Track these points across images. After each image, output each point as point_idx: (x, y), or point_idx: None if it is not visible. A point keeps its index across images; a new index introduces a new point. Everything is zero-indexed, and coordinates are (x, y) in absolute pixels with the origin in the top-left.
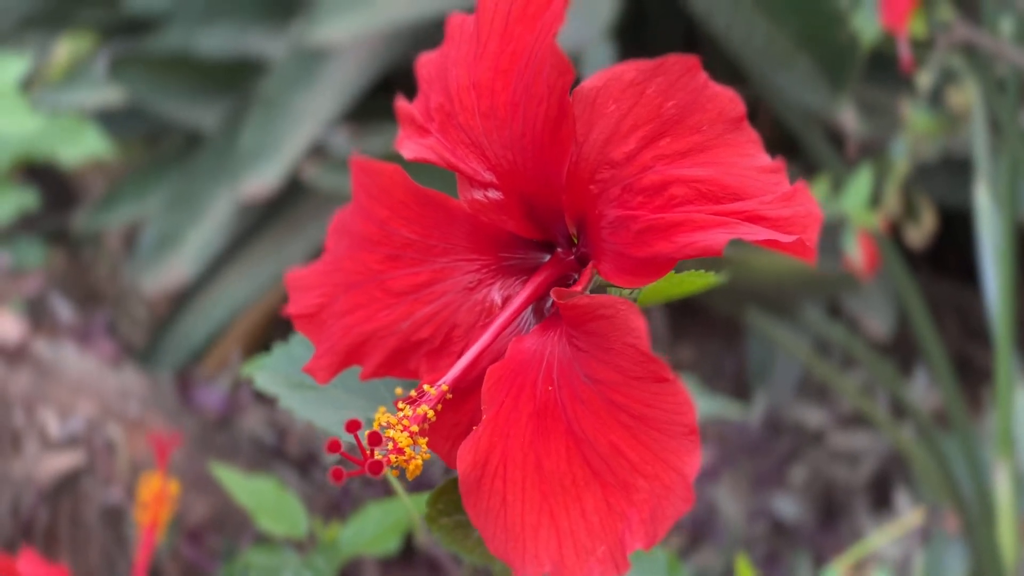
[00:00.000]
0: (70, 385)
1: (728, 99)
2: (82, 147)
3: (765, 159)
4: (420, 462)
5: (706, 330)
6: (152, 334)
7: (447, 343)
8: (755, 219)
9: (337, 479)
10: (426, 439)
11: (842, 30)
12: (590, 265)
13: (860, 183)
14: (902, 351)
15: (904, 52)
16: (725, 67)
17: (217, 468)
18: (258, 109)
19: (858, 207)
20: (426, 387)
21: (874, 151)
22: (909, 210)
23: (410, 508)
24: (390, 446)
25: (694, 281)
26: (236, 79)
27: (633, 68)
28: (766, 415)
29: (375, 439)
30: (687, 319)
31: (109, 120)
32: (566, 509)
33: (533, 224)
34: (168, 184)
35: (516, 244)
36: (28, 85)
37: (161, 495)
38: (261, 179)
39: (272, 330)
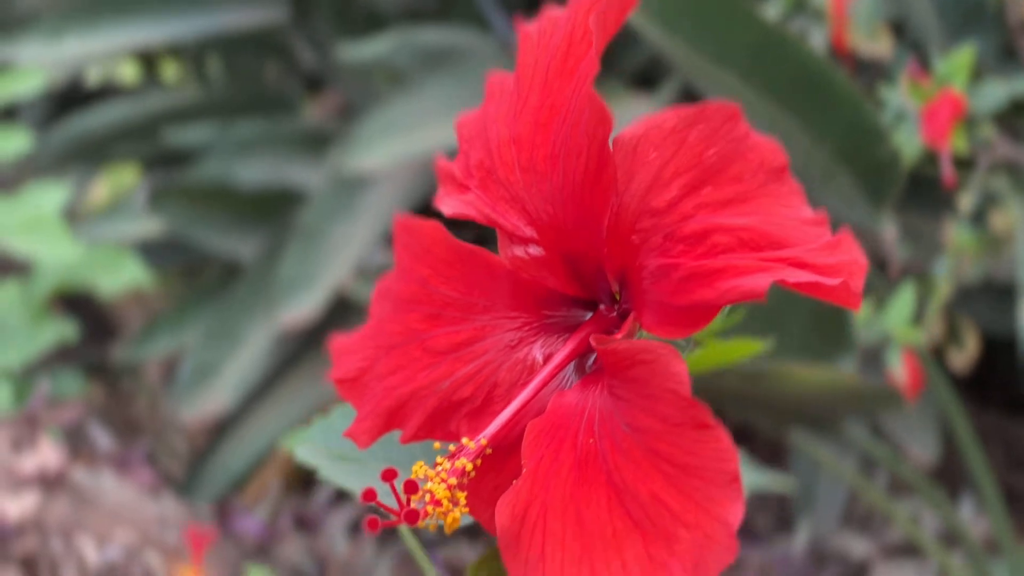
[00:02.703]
0: (108, 513)
1: (770, 150)
2: (122, 276)
3: (808, 211)
4: (458, 515)
5: (748, 457)
6: (191, 466)
7: (488, 402)
8: (799, 266)
9: (372, 528)
10: (465, 493)
11: (883, 147)
12: (631, 315)
13: (903, 300)
14: (944, 480)
15: (947, 168)
16: None
17: None
18: (297, 239)
19: (901, 324)
20: (465, 441)
21: (917, 276)
22: (952, 334)
23: (427, 566)
24: (427, 498)
25: (740, 349)
26: (275, 209)
27: (675, 115)
28: (810, 544)
29: (411, 487)
30: None
31: (149, 252)
32: (606, 561)
33: (575, 280)
34: (206, 315)
35: (558, 301)
36: (70, 218)
37: None
38: (300, 308)
39: None
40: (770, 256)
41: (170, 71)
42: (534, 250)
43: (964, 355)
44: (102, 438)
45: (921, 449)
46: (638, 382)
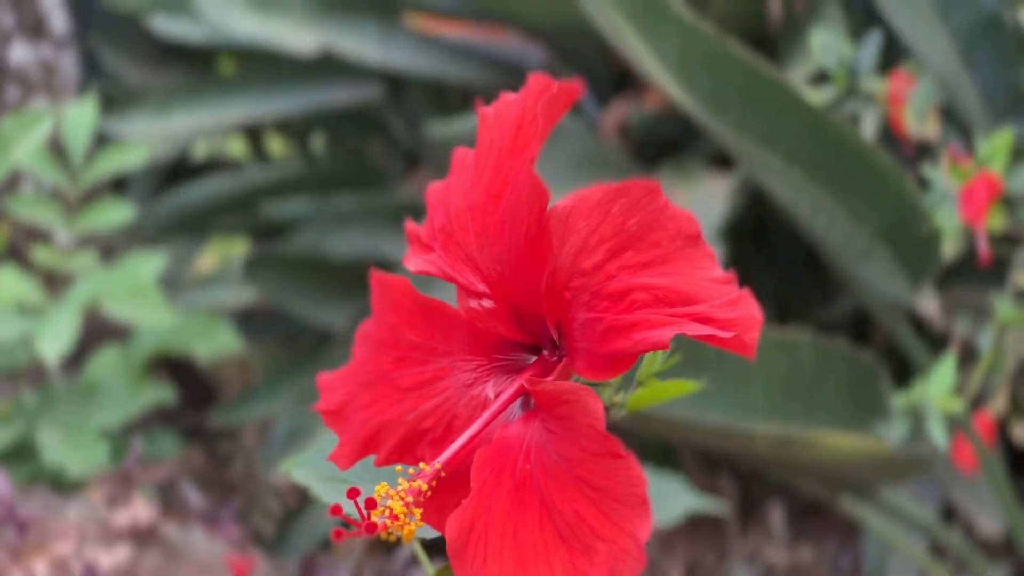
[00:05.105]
0: (197, 567)
1: (686, 219)
2: (215, 342)
3: (718, 271)
4: (413, 528)
5: (825, 529)
6: (281, 525)
7: (448, 432)
8: (704, 320)
9: (337, 538)
10: (421, 510)
11: (924, 225)
12: (564, 361)
13: (944, 369)
14: (1015, 553)
15: (982, 247)
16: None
17: None
18: None
19: (942, 393)
20: (422, 465)
21: (972, 350)
22: (1016, 407)
23: (424, 560)
24: (387, 513)
25: (674, 388)
26: (366, 280)
27: (600, 190)
28: None
29: (371, 504)
30: (807, 519)
31: (249, 321)
32: (537, 570)
33: (521, 329)
34: (300, 381)
35: (508, 346)
36: (175, 285)
37: None
38: None
39: None
40: (679, 312)
41: (276, 146)
42: (486, 303)
43: None
44: (193, 496)
45: (990, 522)
46: (564, 418)
